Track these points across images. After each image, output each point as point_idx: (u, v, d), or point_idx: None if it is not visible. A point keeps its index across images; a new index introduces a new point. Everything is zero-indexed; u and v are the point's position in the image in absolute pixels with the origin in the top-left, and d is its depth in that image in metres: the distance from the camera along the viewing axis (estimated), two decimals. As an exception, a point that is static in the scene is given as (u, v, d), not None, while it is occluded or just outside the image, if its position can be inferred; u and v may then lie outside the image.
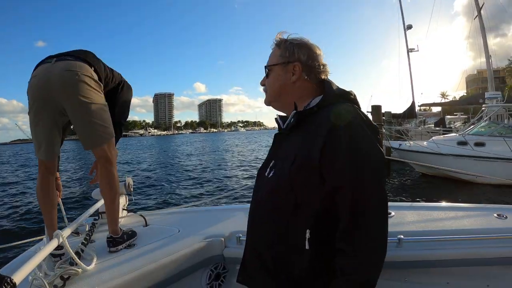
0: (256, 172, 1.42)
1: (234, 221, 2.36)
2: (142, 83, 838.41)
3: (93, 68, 2.01)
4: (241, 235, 2.01)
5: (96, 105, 1.95)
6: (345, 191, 1.03)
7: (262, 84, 1.39)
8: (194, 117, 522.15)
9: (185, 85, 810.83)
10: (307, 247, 1.08)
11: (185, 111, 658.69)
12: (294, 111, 1.23)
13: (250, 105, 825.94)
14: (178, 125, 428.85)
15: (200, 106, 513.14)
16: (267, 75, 1.35)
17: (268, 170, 1.27)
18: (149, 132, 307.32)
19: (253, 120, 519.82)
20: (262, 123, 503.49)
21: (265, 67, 1.35)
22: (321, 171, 1.07)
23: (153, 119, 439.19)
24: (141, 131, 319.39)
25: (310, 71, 1.27)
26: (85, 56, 2.03)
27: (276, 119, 1.41)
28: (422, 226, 2.02)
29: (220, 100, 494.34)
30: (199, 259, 1.99)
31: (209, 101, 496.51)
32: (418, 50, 25.35)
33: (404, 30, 25.52)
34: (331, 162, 1.06)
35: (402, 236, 1.80)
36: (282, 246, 1.15)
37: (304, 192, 1.11)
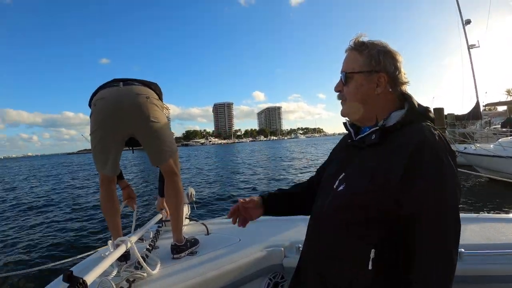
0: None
1: (294, 231, 2.35)
2: (202, 93, 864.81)
3: (153, 90, 2.14)
4: (300, 245, 1.98)
5: (163, 125, 2.10)
6: (423, 220, 0.97)
7: (338, 90, 1.26)
8: (254, 125, 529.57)
9: (244, 94, 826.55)
10: (370, 267, 1.02)
11: (245, 120, 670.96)
12: (378, 127, 1.14)
13: (309, 112, 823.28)
14: (238, 133, 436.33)
15: (259, 114, 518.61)
16: (345, 82, 1.22)
17: (337, 182, 1.19)
18: (210, 141, 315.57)
19: (312, 127, 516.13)
20: (322, 129, 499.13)
21: (344, 73, 1.21)
22: (399, 194, 1.00)
23: (213, 129, 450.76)
24: (202, 140, 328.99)
25: (394, 83, 1.17)
26: (146, 82, 2.17)
27: (345, 124, 1.33)
28: (485, 238, 1.92)
29: (279, 108, 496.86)
30: (259, 268, 2.01)
31: (268, 109, 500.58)
32: (479, 46, 23.65)
33: (463, 25, 23.95)
34: (411, 187, 0.99)
35: (463, 250, 1.72)
36: (344, 262, 1.09)
37: (377, 212, 1.04)
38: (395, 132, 1.10)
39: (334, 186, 1.19)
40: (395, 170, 1.01)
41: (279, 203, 1.52)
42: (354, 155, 1.21)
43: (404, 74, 1.19)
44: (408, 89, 1.22)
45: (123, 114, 1.98)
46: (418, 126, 1.08)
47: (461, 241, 1.74)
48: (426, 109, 1.17)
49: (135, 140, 2.18)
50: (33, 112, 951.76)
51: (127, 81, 2.09)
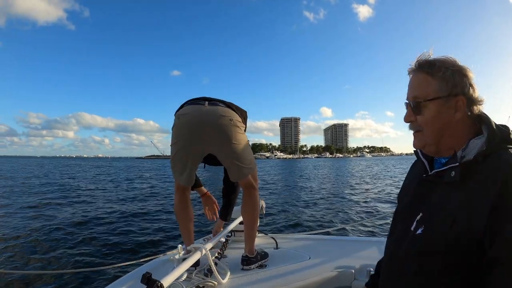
0: (389, 208, 1.27)
1: (366, 253, 2.30)
2: (269, 107, 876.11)
3: (238, 114, 2.19)
4: (371, 269, 1.93)
5: (243, 146, 2.14)
6: (508, 266, 0.86)
7: (409, 120, 1.12)
8: (320, 141, 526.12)
9: (311, 110, 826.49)
10: None
11: (311, 136, 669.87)
12: (458, 163, 1.01)
13: (377, 130, 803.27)
14: (304, 149, 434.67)
15: (325, 130, 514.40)
16: (418, 111, 1.09)
17: (414, 224, 1.07)
18: (275, 155, 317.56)
19: (379, 146, 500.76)
20: (388, 148, 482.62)
21: (416, 101, 1.08)
22: (483, 238, 0.88)
23: (279, 143, 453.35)
24: (268, 154, 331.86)
25: (472, 105, 1.04)
26: (231, 104, 2.22)
27: (416, 153, 1.21)
28: None
29: (346, 125, 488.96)
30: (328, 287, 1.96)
31: (335, 125, 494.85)
32: None
33: None
34: (499, 231, 0.86)
35: None
36: None
37: (458, 258, 0.93)
38: (477, 166, 0.97)
39: (412, 228, 1.08)
40: (479, 212, 0.89)
41: None
42: (430, 191, 1.09)
43: (477, 91, 1.06)
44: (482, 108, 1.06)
45: (205, 133, 2.04)
46: (502, 157, 0.95)
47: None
48: (507, 132, 1.02)
49: (212, 157, 2.22)
50: (107, 117, 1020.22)
51: (213, 101, 2.15)
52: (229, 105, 2.18)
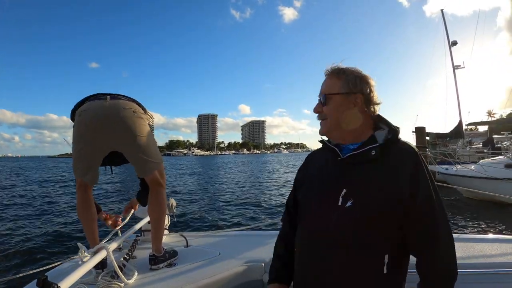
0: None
1: None
2: (188, 103, 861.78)
3: (140, 107, 2.19)
4: None
5: (147, 138, 2.12)
6: (433, 207, 1.17)
7: (318, 111, 1.35)
8: (237, 138, 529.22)
9: (230, 107, 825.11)
10: (385, 271, 1.14)
11: (228, 132, 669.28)
12: (378, 144, 1.24)
13: (294, 127, 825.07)
14: (222, 145, 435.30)
15: (243, 127, 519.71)
16: (325, 103, 1.31)
17: (340, 199, 1.22)
18: (193, 152, 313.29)
19: (296, 142, 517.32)
20: (305, 145, 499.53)
21: (324, 94, 1.31)
22: (407, 202, 1.15)
23: (196, 139, 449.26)
24: (185, 151, 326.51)
25: (369, 104, 1.29)
26: (133, 99, 2.21)
27: (326, 142, 1.39)
28: (466, 259, 1.94)
29: (263, 122, 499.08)
30: (238, 283, 1.99)
31: (252, 122, 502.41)
32: (464, 67, 24.03)
33: (449, 46, 24.45)
34: (417, 194, 1.16)
35: None
36: (360, 276, 1.16)
37: (390, 223, 1.16)
38: (389, 148, 1.23)
39: (339, 204, 1.22)
40: (403, 180, 1.17)
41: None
42: (350, 171, 1.27)
43: (377, 95, 1.32)
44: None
45: (109, 128, 2.00)
46: (406, 145, 1.26)
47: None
48: (399, 129, 1.31)
49: (116, 156, 2.19)
50: (17, 112, 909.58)
51: (114, 95, 2.12)
52: (131, 99, 2.17)
